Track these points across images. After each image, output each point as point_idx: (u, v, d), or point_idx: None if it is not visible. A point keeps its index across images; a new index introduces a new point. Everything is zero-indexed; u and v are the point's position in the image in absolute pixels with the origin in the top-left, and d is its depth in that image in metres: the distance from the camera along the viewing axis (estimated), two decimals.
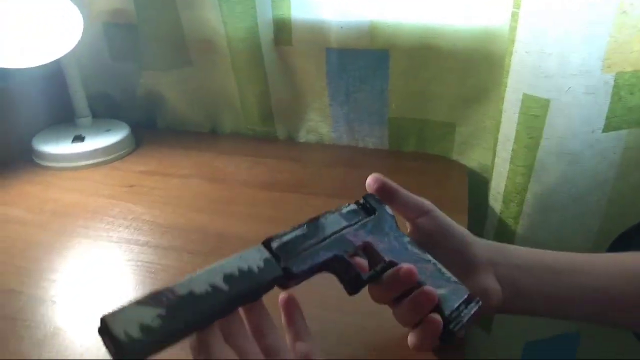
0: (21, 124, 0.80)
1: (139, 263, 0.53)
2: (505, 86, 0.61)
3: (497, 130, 0.67)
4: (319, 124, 0.82)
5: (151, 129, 0.89)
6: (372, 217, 0.41)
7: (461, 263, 0.41)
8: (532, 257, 0.44)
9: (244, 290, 0.29)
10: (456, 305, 0.37)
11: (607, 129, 0.57)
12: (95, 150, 0.76)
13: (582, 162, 0.59)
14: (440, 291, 0.37)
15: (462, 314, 0.37)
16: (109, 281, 0.51)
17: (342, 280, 0.37)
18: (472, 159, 0.77)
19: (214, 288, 0.28)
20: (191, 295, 0.27)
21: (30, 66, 0.66)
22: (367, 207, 0.42)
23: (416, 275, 0.36)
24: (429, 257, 0.40)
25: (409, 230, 0.43)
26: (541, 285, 0.42)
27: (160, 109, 0.89)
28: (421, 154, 0.79)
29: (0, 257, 0.55)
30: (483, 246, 0.43)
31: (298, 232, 0.36)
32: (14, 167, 0.75)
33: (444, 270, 0.40)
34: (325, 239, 0.36)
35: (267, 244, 0.33)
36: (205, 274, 0.29)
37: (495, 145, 0.70)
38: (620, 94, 0.55)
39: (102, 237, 0.58)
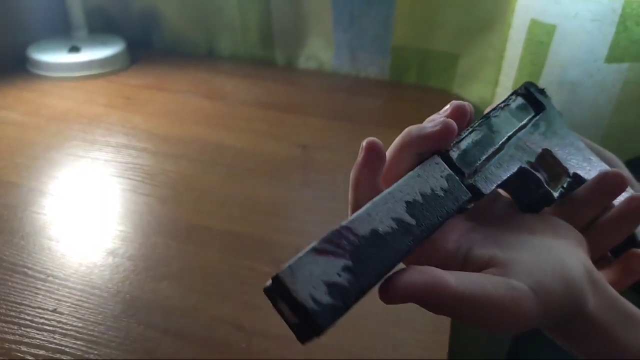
0: (15, 32, 0.78)
1: (137, 166, 0.54)
2: (513, 11, 0.60)
3: (500, 62, 0.66)
4: (321, 49, 0.81)
5: (147, 48, 0.87)
6: (542, 114, 0.33)
7: None
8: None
9: (433, 223, 0.23)
10: None
11: (609, 59, 0.57)
12: (91, 62, 0.75)
13: (582, 92, 0.59)
14: None
15: None
16: (107, 180, 0.52)
17: (520, 200, 0.30)
18: (473, 93, 0.77)
19: (400, 223, 0.22)
20: (375, 235, 0.21)
21: None
22: (532, 100, 0.33)
23: (627, 180, 0.29)
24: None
25: None
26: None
27: (157, 25, 0.86)
28: (422, 87, 0.79)
29: None
30: None
31: (474, 137, 0.27)
32: (8, 74, 0.73)
33: None
34: (503, 145, 0.29)
35: (444, 155, 0.26)
36: (383, 204, 0.22)
37: (497, 77, 0.70)
38: (625, 24, 0.55)
39: (99, 142, 0.58)
